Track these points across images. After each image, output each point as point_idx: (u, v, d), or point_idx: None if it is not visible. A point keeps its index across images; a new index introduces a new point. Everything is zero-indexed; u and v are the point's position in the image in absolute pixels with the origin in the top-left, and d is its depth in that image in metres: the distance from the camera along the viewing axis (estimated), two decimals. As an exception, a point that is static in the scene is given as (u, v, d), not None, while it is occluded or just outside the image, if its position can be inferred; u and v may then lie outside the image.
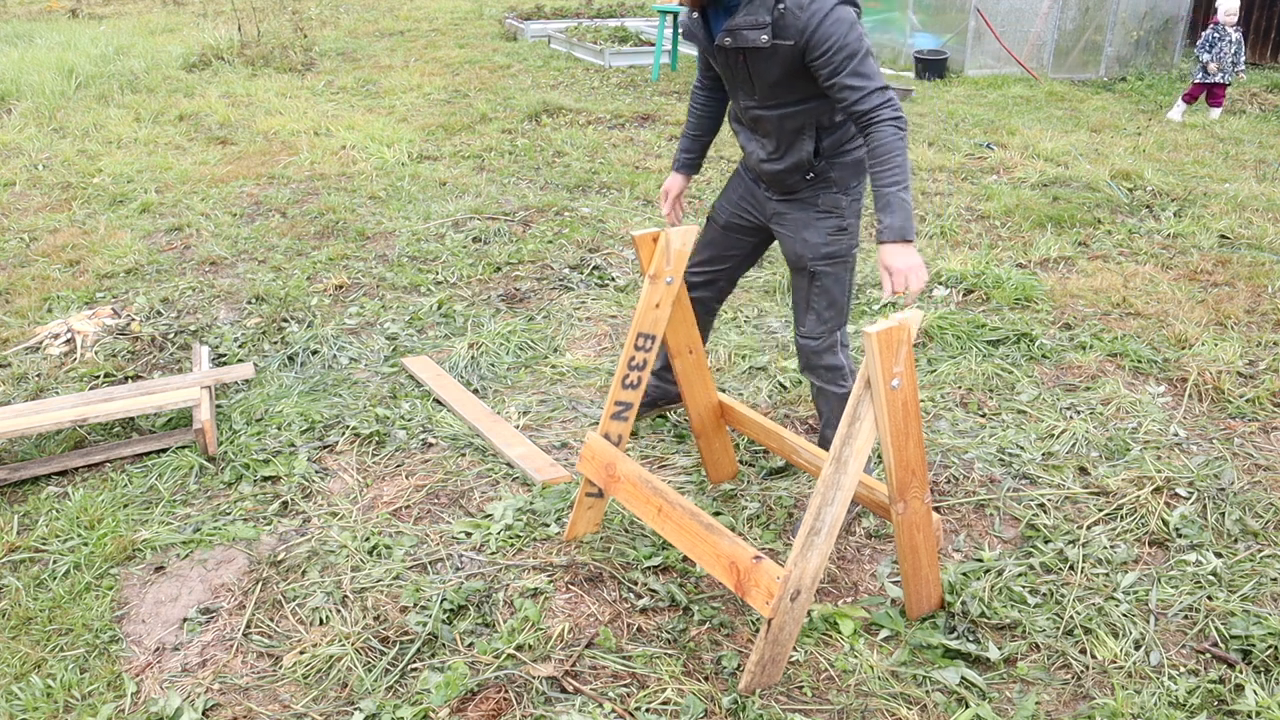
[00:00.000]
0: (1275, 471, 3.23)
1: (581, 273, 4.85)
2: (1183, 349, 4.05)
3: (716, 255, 3.08)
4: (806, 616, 2.47)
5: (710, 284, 3.14)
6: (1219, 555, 2.81)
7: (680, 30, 2.79)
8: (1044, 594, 2.65)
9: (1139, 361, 3.94)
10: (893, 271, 2.44)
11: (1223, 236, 5.39)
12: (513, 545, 2.85)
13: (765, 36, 2.47)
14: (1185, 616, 2.58)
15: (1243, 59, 8.57)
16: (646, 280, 2.61)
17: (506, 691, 2.31)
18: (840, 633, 2.50)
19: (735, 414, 2.97)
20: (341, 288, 4.70)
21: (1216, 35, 8.48)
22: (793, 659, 2.40)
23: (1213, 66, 8.42)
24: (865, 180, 2.75)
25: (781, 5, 2.44)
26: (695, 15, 2.67)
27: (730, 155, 6.97)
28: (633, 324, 2.63)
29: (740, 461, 3.24)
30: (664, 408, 3.54)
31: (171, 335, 4.23)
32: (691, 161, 3.07)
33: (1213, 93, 8.62)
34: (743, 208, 2.96)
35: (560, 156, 6.91)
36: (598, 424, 3.46)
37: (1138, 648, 2.47)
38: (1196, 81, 8.60)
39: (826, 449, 2.63)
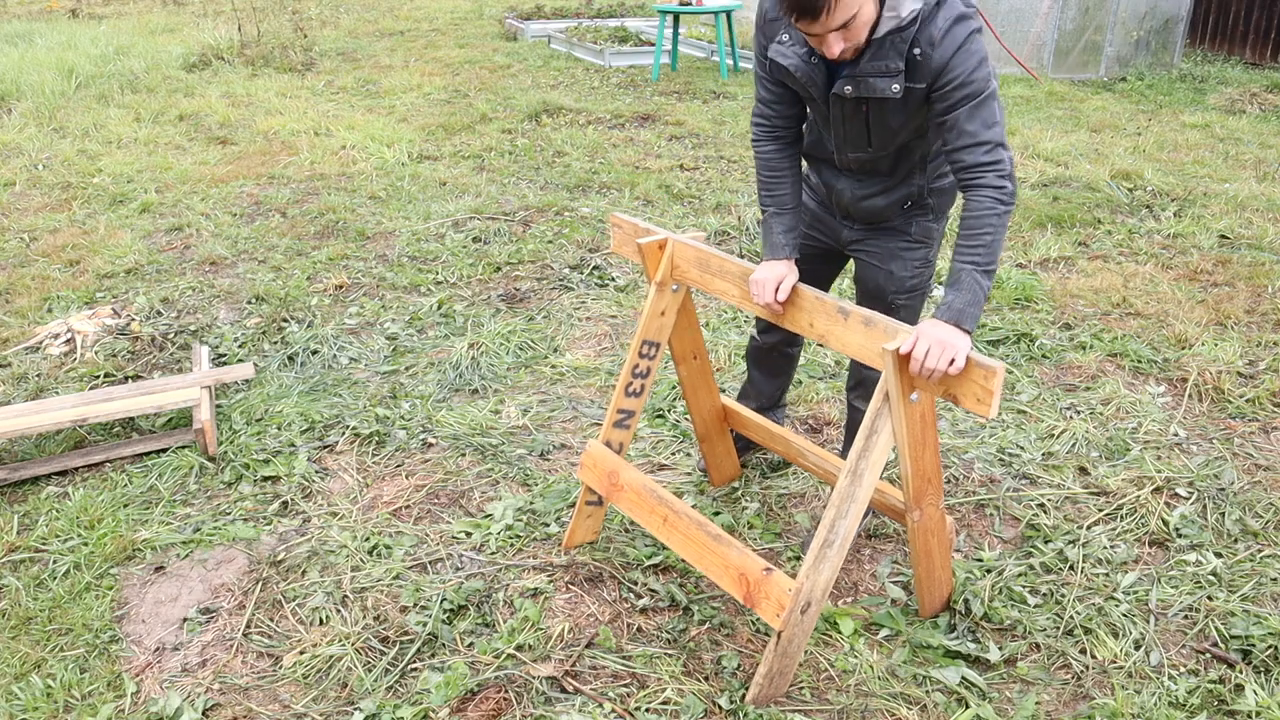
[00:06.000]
0: (1275, 471, 3.23)
1: (581, 273, 4.85)
2: (1183, 349, 4.05)
3: None
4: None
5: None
6: (1219, 555, 2.81)
7: (764, 67, 2.27)
8: (1044, 594, 2.65)
9: (1139, 361, 3.94)
10: (930, 340, 1.98)
11: (1223, 236, 5.39)
12: (513, 545, 2.85)
13: (897, 86, 2.13)
14: (1185, 616, 2.58)
15: None
16: (652, 288, 2.58)
17: (506, 691, 2.31)
18: (840, 633, 2.50)
19: (739, 417, 2.96)
20: (341, 288, 4.70)
21: None
22: (793, 659, 2.40)
23: None
24: (953, 204, 2.50)
25: (916, 50, 2.09)
26: (816, 59, 2.22)
27: (729, 155, 6.96)
28: (637, 332, 2.61)
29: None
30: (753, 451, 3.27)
31: (171, 335, 4.23)
32: (795, 242, 2.47)
33: None
34: (811, 236, 2.63)
35: (560, 156, 6.91)
36: (598, 424, 3.47)
37: (1138, 648, 2.47)
38: None
39: None
